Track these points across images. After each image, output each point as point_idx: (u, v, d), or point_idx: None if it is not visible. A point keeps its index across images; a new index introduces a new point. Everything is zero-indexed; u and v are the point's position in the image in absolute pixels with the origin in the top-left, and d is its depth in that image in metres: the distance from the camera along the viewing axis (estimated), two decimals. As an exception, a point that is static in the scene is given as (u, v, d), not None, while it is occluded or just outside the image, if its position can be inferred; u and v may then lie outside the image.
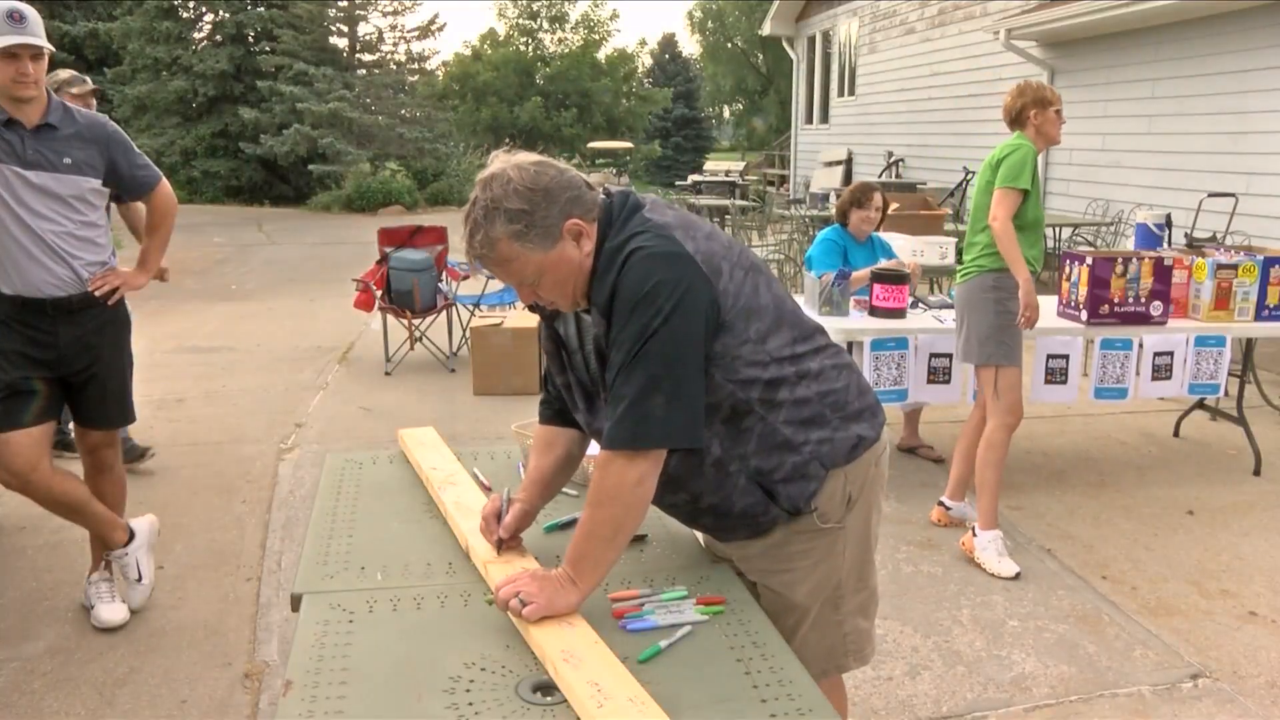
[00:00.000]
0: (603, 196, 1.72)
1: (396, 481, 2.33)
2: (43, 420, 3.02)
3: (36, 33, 2.81)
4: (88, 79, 4.23)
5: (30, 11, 2.83)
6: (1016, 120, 3.93)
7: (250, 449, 5.06)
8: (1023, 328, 3.72)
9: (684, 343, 1.60)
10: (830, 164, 16.17)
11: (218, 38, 21.46)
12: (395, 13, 22.13)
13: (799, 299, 4.68)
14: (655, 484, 1.65)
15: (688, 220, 1.73)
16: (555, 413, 1.96)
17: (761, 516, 1.80)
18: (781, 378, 1.73)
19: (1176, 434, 5.39)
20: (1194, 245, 6.28)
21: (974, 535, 3.76)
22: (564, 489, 2.14)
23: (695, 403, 1.63)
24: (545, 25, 35.26)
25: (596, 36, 35.39)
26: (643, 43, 68.67)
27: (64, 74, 4.05)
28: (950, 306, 4.72)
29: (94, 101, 4.16)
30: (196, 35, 21.80)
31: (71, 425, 3.45)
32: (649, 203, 1.74)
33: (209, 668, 3.02)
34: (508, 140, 26.83)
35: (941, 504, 4.12)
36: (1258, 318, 4.50)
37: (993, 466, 3.74)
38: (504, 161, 1.67)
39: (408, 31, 22.39)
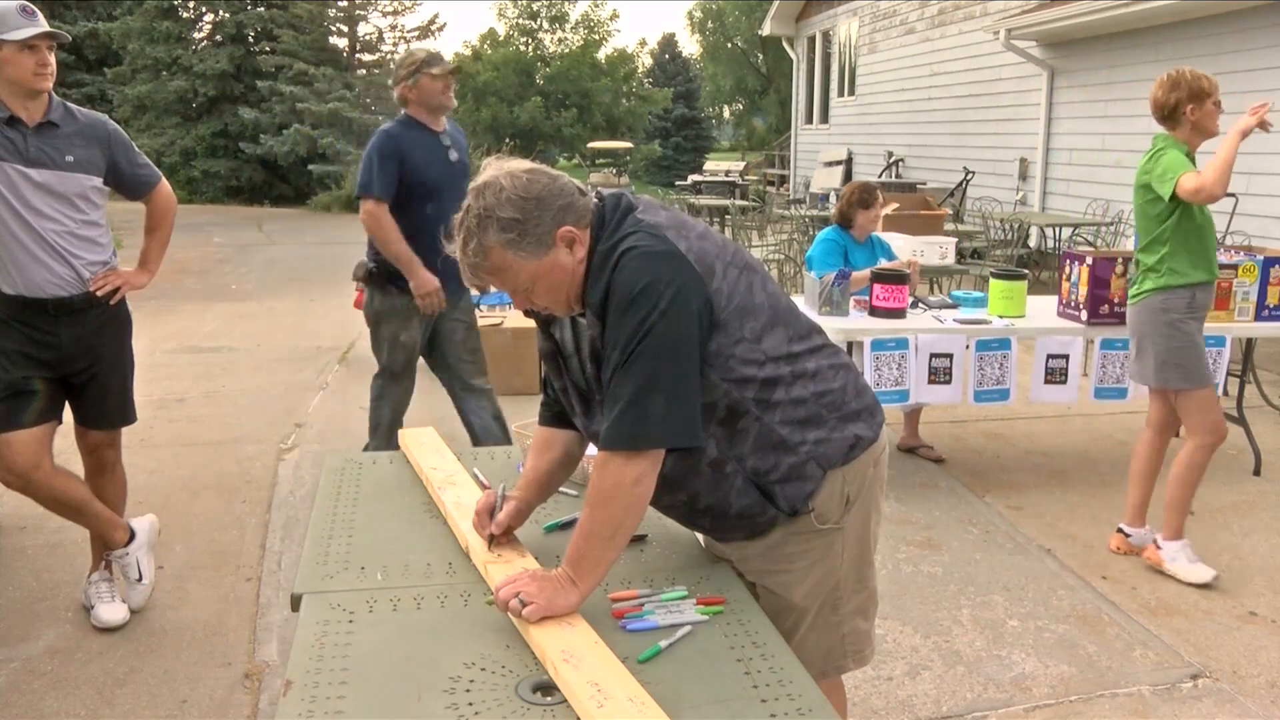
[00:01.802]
0: (595, 200, 1.72)
1: (396, 481, 2.33)
2: (44, 420, 3.02)
3: (48, 24, 2.83)
4: (444, 58, 3.97)
5: (9, 4, 2.83)
6: (1170, 117, 3.52)
7: (250, 449, 5.06)
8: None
9: (679, 341, 1.60)
10: (830, 164, 16.16)
11: (218, 38, 21.47)
12: (395, 13, 22.14)
13: (799, 299, 4.68)
14: (654, 483, 1.65)
15: (680, 220, 1.73)
16: (554, 415, 1.96)
17: (759, 517, 1.80)
18: (777, 377, 1.73)
19: (1176, 434, 5.38)
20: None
21: (1158, 547, 3.69)
22: (563, 489, 2.14)
23: (692, 401, 1.63)
24: (545, 25, 35.26)
25: (596, 36, 35.39)
26: (643, 43, 68.71)
27: (421, 53, 3.91)
28: (950, 306, 4.72)
29: (453, 82, 3.98)
30: (196, 35, 21.81)
31: None
32: (641, 204, 1.74)
33: (209, 668, 3.02)
34: (507, 140, 26.86)
35: (1121, 531, 3.89)
36: (1258, 318, 4.50)
37: (1190, 486, 3.64)
38: (496, 169, 1.68)
39: (408, 31, 22.40)
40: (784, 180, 20.33)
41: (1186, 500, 3.68)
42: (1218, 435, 3.60)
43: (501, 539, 1.88)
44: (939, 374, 4.31)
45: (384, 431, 4.14)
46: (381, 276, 3.90)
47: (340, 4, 21.57)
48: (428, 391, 6.18)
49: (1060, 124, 10.55)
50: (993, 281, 4.60)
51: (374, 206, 3.77)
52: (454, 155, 3.97)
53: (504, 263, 1.66)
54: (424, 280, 3.83)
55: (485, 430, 4.08)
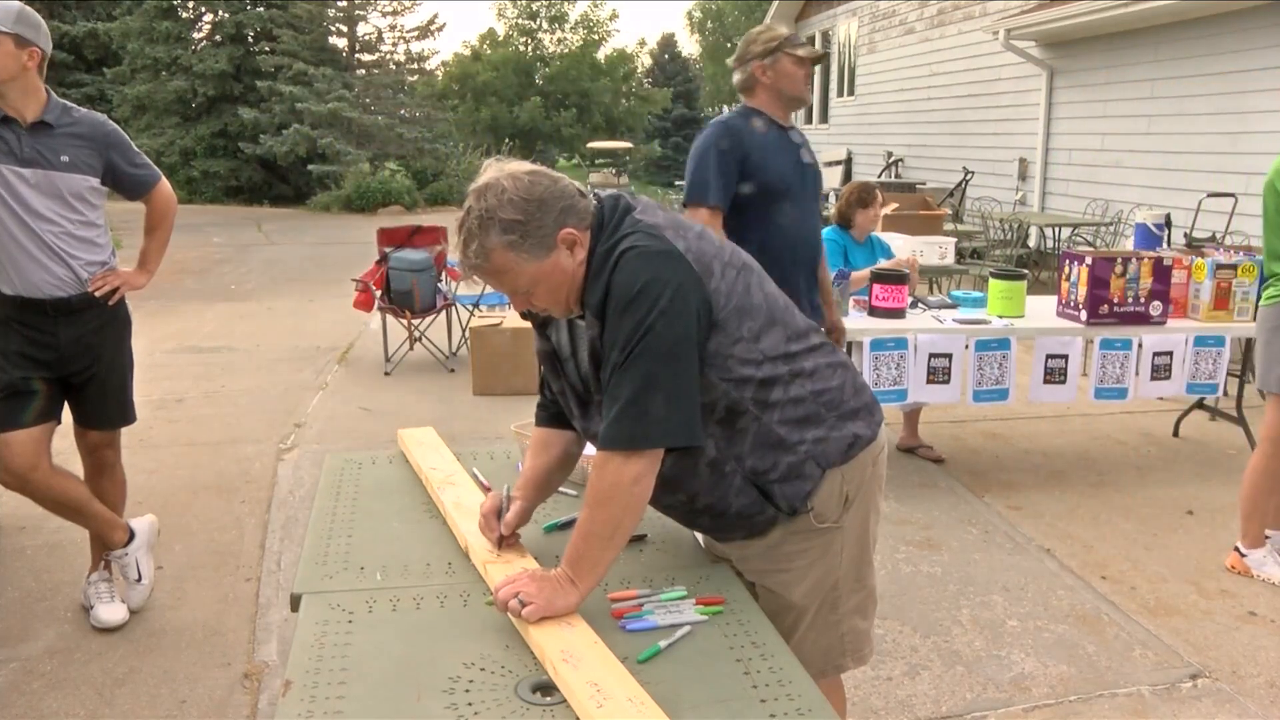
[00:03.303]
0: (594, 202, 1.72)
1: (396, 481, 2.33)
2: (43, 420, 3.01)
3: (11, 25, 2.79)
4: (807, 43, 3.49)
5: (5, 4, 2.82)
6: None
7: (250, 449, 5.06)
8: None
9: (678, 341, 1.60)
10: (830, 164, 16.15)
11: (217, 38, 21.46)
12: (395, 13, 22.15)
13: (798, 299, 4.68)
14: (653, 483, 1.65)
15: (678, 221, 1.73)
16: (552, 416, 1.96)
17: (758, 516, 1.80)
18: (775, 376, 1.73)
19: (1176, 434, 5.39)
20: (1193, 245, 6.29)
21: (1241, 556, 3.67)
22: (563, 488, 2.14)
23: (691, 401, 1.63)
24: (545, 25, 35.30)
25: (596, 36, 35.44)
26: (642, 43, 68.67)
27: (781, 29, 3.31)
28: (950, 306, 4.73)
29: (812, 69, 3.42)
30: (196, 35, 21.80)
31: None
32: (640, 204, 1.74)
33: (208, 668, 3.02)
34: (507, 140, 26.87)
35: (1238, 550, 3.74)
36: (1256, 319, 4.50)
37: (1270, 494, 3.60)
38: (497, 171, 1.67)
39: (407, 31, 22.42)
40: (783, 180, 20.29)
41: (1266, 507, 3.62)
42: None
43: (507, 540, 1.88)
44: (938, 374, 4.31)
45: None
46: None
47: (340, 4, 21.59)
48: (426, 390, 6.20)
49: (1060, 124, 10.55)
50: (992, 281, 4.60)
51: (707, 218, 3.06)
52: (806, 157, 3.27)
53: (505, 264, 1.66)
54: None
55: None
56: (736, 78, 3.22)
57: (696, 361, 1.64)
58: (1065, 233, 9.67)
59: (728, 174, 3.06)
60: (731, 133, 3.09)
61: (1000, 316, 4.50)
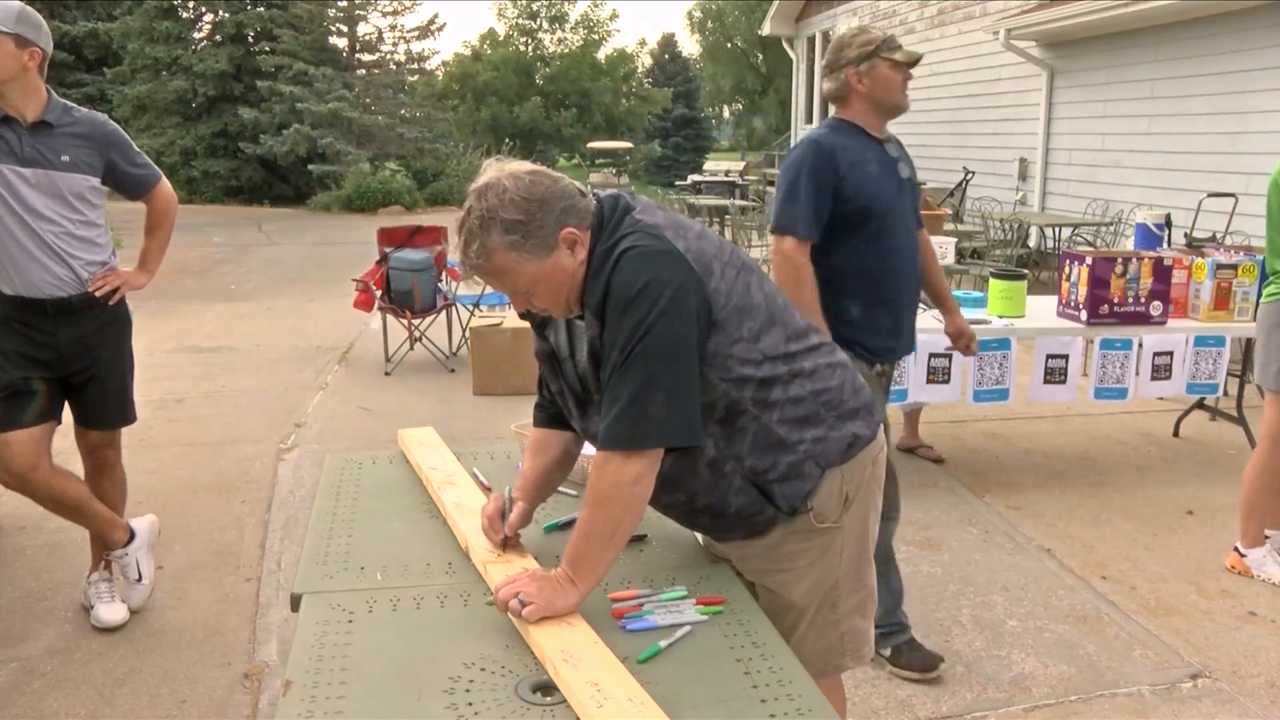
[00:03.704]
0: (594, 202, 1.72)
1: (396, 481, 2.33)
2: (43, 420, 3.01)
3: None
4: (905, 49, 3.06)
5: (5, 4, 2.82)
6: None
7: (250, 449, 5.06)
8: None
9: (678, 341, 1.60)
10: (830, 164, 16.13)
11: (217, 38, 21.47)
12: (395, 13, 22.16)
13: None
14: (653, 482, 1.65)
15: (678, 221, 1.73)
16: (550, 417, 1.96)
17: (757, 516, 1.80)
18: (775, 376, 1.73)
19: (1176, 434, 5.39)
20: (1194, 245, 6.28)
21: (1241, 555, 3.67)
22: (563, 488, 2.14)
23: (691, 401, 1.63)
24: (545, 25, 35.31)
25: (596, 36, 35.45)
26: (642, 43, 68.72)
27: (876, 32, 2.95)
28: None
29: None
30: (196, 35, 21.80)
31: None
32: (640, 205, 1.74)
33: (208, 668, 3.02)
34: (507, 140, 26.86)
35: (1238, 550, 3.74)
36: (1256, 317, 4.50)
37: (1271, 493, 3.60)
38: (498, 171, 1.67)
39: (407, 31, 22.42)
40: (784, 180, 20.28)
41: (1266, 506, 3.62)
42: None
43: (510, 541, 1.88)
44: (938, 374, 4.31)
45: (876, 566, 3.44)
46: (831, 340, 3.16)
47: (340, 4, 21.59)
48: (426, 391, 6.20)
49: (1060, 124, 10.55)
50: (992, 281, 4.60)
51: (794, 249, 2.73)
52: (904, 171, 2.93)
53: (507, 265, 1.66)
54: None
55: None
56: (827, 86, 2.88)
57: (696, 361, 1.65)
58: (1065, 233, 9.67)
59: (820, 200, 2.73)
60: (824, 153, 2.75)
61: (1000, 316, 4.49)
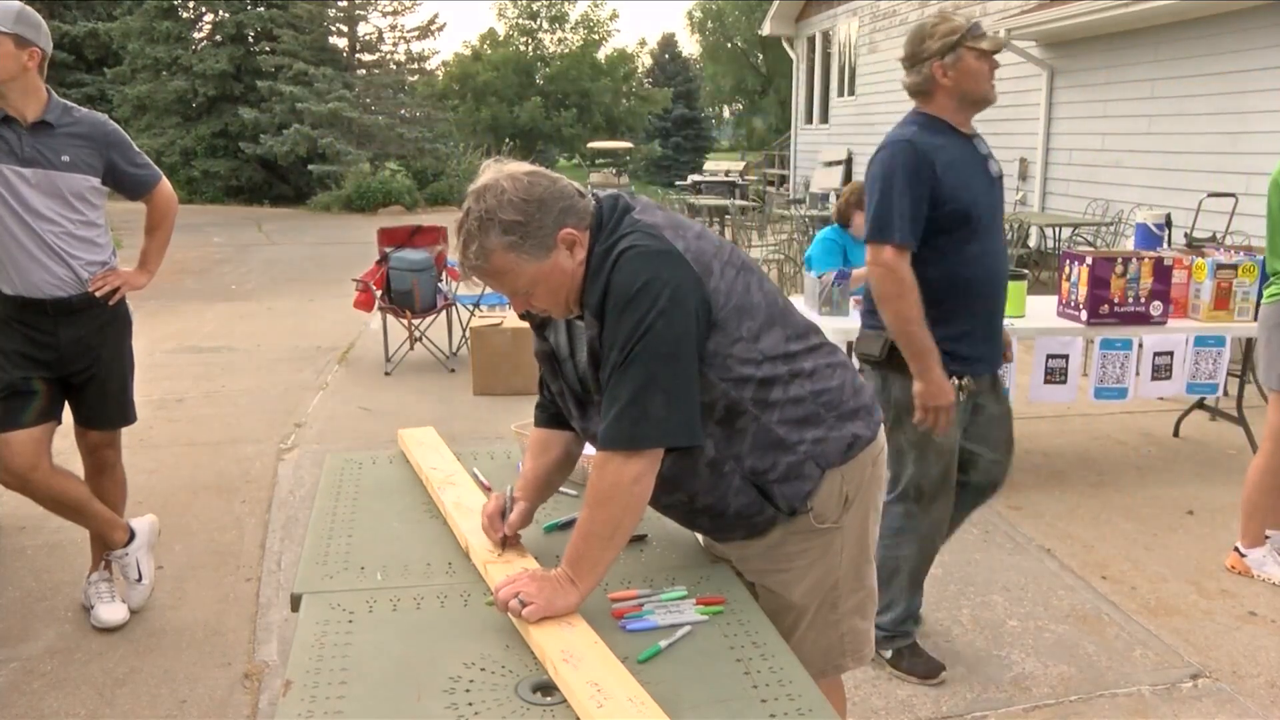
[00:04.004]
0: (593, 202, 1.72)
1: (396, 481, 2.33)
2: (43, 420, 3.01)
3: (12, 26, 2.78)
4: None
5: (4, 4, 2.81)
6: None
7: (250, 449, 5.06)
8: None
9: (677, 340, 1.60)
10: (830, 164, 16.17)
11: (218, 38, 21.47)
12: (395, 13, 22.16)
13: (799, 299, 4.68)
14: (652, 482, 1.65)
15: (677, 220, 1.73)
16: (551, 417, 1.96)
17: (757, 517, 1.80)
18: (775, 376, 1.73)
19: (1176, 434, 5.39)
20: (1194, 245, 6.28)
21: (1241, 555, 3.67)
22: (563, 488, 2.14)
23: (691, 401, 1.63)
24: (545, 25, 35.31)
25: (596, 36, 35.45)
26: (642, 43, 68.78)
27: (959, 20, 2.72)
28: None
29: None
30: (196, 35, 21.81)
31: None
32: (639, 204, 1.74)
33: (209, 668, 3.02)
34: (507, 140, 26.86)
35: (1238, 550, 3.72)
36: (1257, 318, 4.50)
37: (1272, 493, 3.58)
38: (496, 172, 1.67)
39: (407, 31, 22.42)
40: (784, 180, 20.33)
41: (1267, 506, 3.62)
42: None
43: (510, 541, 1.88)
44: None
45: (903, 584, 2.94)
46: None
47: (340, 4, 21.59)
48: (426, 391, 6.20)
49: (1060, 124, 10.55)
50: (992, 281, 4.59)
51: (893, 257, 2.57)
52: (994, 169, 2.77)
53: (506, 265, 1.66)
54: (936, 388, 2.62)
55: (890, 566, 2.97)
56: (909, 80, 2.69)
57: (696, 361, 1.64)
58: (1066, 233, 9.67)
59: (917, 204, 2.57)
60: (919, 153, 2.58)
61: (1000, 316, 4.49)
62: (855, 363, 2.88)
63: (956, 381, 2.70)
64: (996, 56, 2.68)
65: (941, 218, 2.60)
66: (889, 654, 3.00)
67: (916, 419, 2.67)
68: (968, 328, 2.70)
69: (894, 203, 2.57)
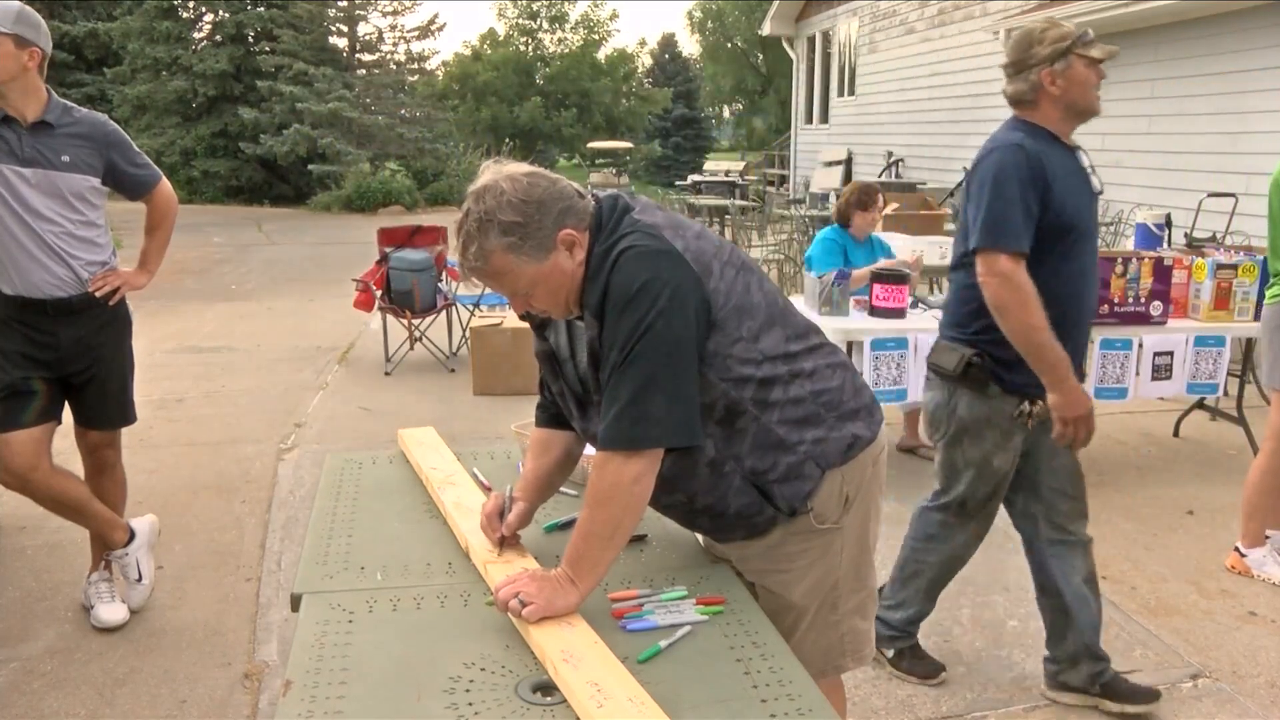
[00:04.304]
0: (592, 203, 1.72)
1: (396, 481, 2.33)
2: (43, 420, 3.01)
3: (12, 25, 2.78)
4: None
5: (4, 4, 2.81)
6: None
7: (250, 449, 5.06)
8: None
9: (677, 340, 1.60)
10: (830, 164, 16.16)
11: (218, 38, 21.47)
12: (395, 13, 22.15)
13: (799, 299, 4.68)
14: (652, 483, 1.65)
15: (676, 220, 1.73)
16: (551, 417, 1.96)
17: (757, 517, 1.80)
18: (775, 376, 1.73)
19: (1176, 434, 5.39)
20: (1194, 245, 6.28)
21: (1241, 555, 3.67)
22: (563, 488, 2.14)
23: (691, 401, 1.63)
24: (545, 25, 35.31)
25: (596, 36, 35.45)
26: (642, 43, 68.79)
27: (1068, 26, 2.59)
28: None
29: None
30: (196, 35, 21.81)
31: None
32: (639, 205, 1.74)
33: (209, 668, 3.02)
34: (508, 140, 26.86)
35: (1238, 550, 3.73)
36: (1257, 318, 4.49)
37: (1274, 493, 3.58)
38: (495, 173, 1.67)
39: (407, 31, 22.41)
40: (784, 180, 20.33)
41: (1268, 506, 3.62)
42: None
43: (509, 541, 1.88)
44: (938, 374, 4.30)
45: (920, 587, 2.96)
46: (983, 371, 2.60)
47: (340, 4, 21.59)
48: (426, 391, 6.20)
49: (1060, 124, 10.54)
50: (992, 281, 4.59)
51: (1010, 265, 2.42)
52: (1096, 184, 2.65)
53: (505, 266, 1.66)
54: (1073, 398, 2.48)
55: (1078, 598, 2.79)
56: (1014, 88, 2.57)
57: (696, 361, 1.64)
58: (1065, 233, 9.65)
59: (1030, 211, 2.44)
60: (1031, 157, 2.45)
61: (1000, 316, 4.49)
62: (927, 373, 2.82)
63: (1027, 406, 2.58)
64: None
65: (1045, 227, 2.47)
66: (890, 653, 3.00)
67: (1055, 433, 2.52)
68: (1070, 334, 2.51)
69: (1008, 208, 2.43)
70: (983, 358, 2.57)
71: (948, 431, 2.73)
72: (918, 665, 2.97)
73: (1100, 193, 2.67)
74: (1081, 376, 2.61)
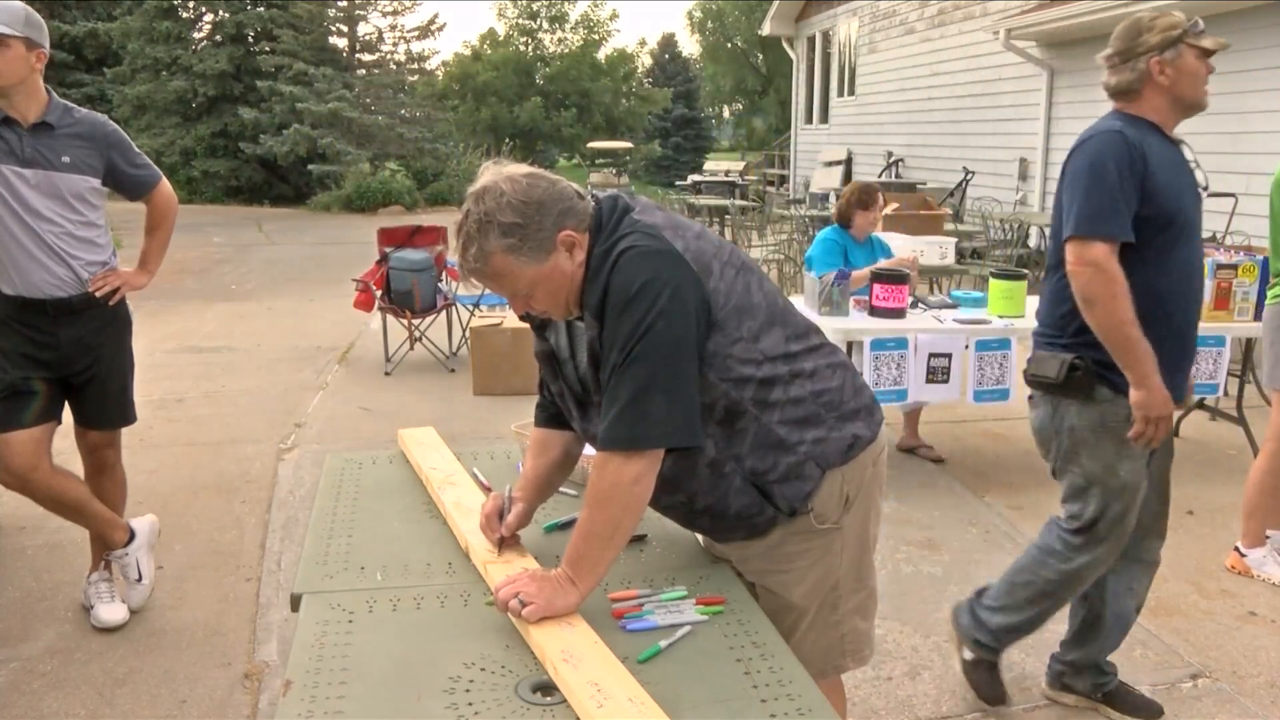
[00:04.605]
0: (592, 204, 1.72)
1: (396, 481, 2.33)
2: (43, 420, 3.01)
3: (2, 19, 2.77)
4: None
5: (6, 3, 2.81)
6: None
7: (250, 449, 5.06)
8: None
9: (677, 341, 1.60)
10: (830, 164, 16.17)
11: (217, 38, 21.46)
12: (395, 13, 22.15)
13: (799, 299, 4.68)
14: (653, 482, 1.65)
15: (676, 221, 1.73)
16: (551, 417, 1.96)
17: (757, 517, 1.80)
18: (775, 377, 1.73)
19: (1176, 434, 5.38)
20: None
21: (1242, 555, 3.67)
22: (563, 488, 2.14)
23: (691, 401, 1.63)
24: (545, 25, 35.30)
25: (596, 36, 35.44)
26: (642, 43, 68.77)
27: (1178, 15, 2.46)
28: (950, 306, 4.72)
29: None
30: (196, 35, 21.80)
31: None
32: (639, 205, 1.74)
33: (209, 668, 3.02)
34: (508, 140, 26.85)
35: (1238, 550, 3.72)
36: (1257, 318, 4.49)
37: (1276, 494, 3.57)
38: (495, 174, 1.67)
39: (407, 31, 22.41)
40: (784, 180, 20.34)
41: (1269, 506, 3.62)
42: None
43: (509, 541, 1.88)
44: (937, 373, 4.31)
45: (1028, 598, 2.69)
46: (1088, 375, 2.43)
47: (340, 4, 21.58)
48: (426, 391, 6.20)
49: (1060, 124, 10.55)
50: (993, 281, 4.60)
51: (1105, 254, 2.32)
52: (1201, 178, 2.57)
53: (505, 268, 1.66)
54: (1157, 396, 2.36)
55: (1118, 619, 2.75)
56: (1117, 79, 2.47)
57: (696, 361, 1.64)
58: (1065, 233, 9.65)
59: (1130, 198, 2.34)
60: (1131, 144, 2.35)
61: (1000, 316, 4.50)
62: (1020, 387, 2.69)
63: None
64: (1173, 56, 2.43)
65: (1146, 219, 2.36)
66: (969, 655, 2.81)
67: (1133, 432, 2.40)
68: (1158, 348, 2.37)
69: (1105, 195, 2.33)
70: (1085, 360, 2.42)
71: (1061, 447, 2.54)
72: (984, 684, 2.78)
73: (1206, 188, 2.54)
74: (1187, 386, 2.52)
